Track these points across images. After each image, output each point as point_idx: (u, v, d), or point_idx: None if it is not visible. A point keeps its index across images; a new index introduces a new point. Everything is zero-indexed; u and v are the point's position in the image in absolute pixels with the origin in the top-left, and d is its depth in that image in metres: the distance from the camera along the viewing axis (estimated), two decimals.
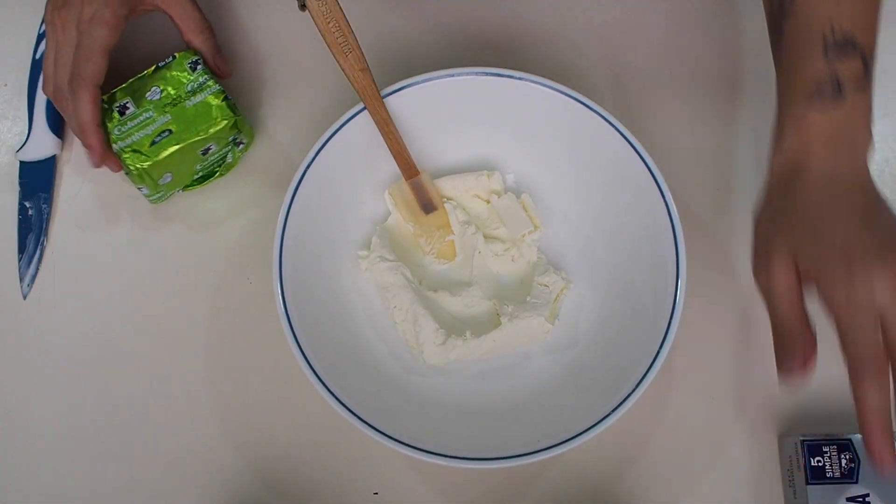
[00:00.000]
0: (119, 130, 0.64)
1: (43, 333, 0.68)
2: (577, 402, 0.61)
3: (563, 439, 0.58)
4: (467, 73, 0.65)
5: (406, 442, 0.57)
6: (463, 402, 0.64)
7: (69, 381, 0.67)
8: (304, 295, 0.61)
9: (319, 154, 0.63)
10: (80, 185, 0.71)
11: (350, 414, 0.58)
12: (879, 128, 0.72)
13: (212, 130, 0.65)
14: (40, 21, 0.72)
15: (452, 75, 0.65)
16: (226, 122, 0.65)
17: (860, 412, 0.49)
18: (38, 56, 0.71)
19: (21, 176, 0.70)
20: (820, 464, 0.61)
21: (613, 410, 0.58)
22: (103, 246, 0.70)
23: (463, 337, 0.64)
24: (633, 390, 0.59)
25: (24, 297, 0.68)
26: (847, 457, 0.61)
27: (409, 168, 0.66)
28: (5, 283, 0.69)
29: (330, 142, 0.63)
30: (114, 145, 0.64)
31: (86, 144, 0.64)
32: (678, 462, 0.65)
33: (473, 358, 0.65)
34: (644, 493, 0.64)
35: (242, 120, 0.67)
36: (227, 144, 0.68)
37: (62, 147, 0.71)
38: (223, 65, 0.69)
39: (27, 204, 0.70)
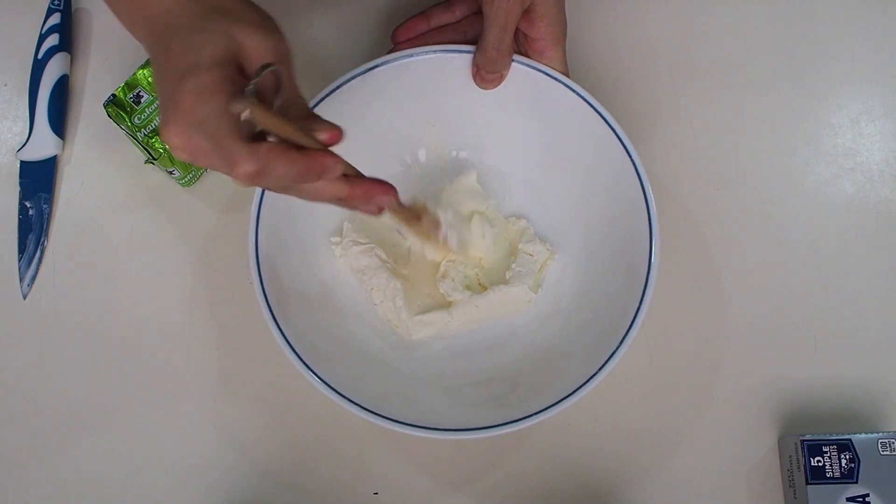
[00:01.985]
0: (139, 119, 0.65)
1: (43, 333, 0.68)
2: (564, 368, 0.61)
3: (553, 402, 0.58)
4: (434, 52, 0.64)
5: (399, 419, 0.57)
6: (452, 377, 0.64)
7: (69, 380, 0.67)
8: (285, 288, 0.61)
9: None
10: (80, 185, 0.71)
11: (341, 397, 0.58)
12: (879, 128, 0.73)
13: None
14: (42, 21, 0.72)
15: (433, 52, 0.64)
16: None
17: None
18: (39, 56, 0.71)
19: (21, 176, 0.70)
20: (820, 464, 0.61)
21: (598, 371, 0.58)
22: (103, 246, 0.70)
23: (445, 308, 0.65)
24: (618, 347, 0.59)
25: (24, 297, 0.68)
26: (847, 457, 0.61)
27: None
28: (5, 283, 0.68)
29: None
30: (137, 134, 0.65)
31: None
32: (678, 462, 0.65)
33: (457, 329, 0.65)
34: (644, 492, 0.65)
35: None
36: None
37: (63, 147, 0.71)
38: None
39: (27, 204, 0.70)
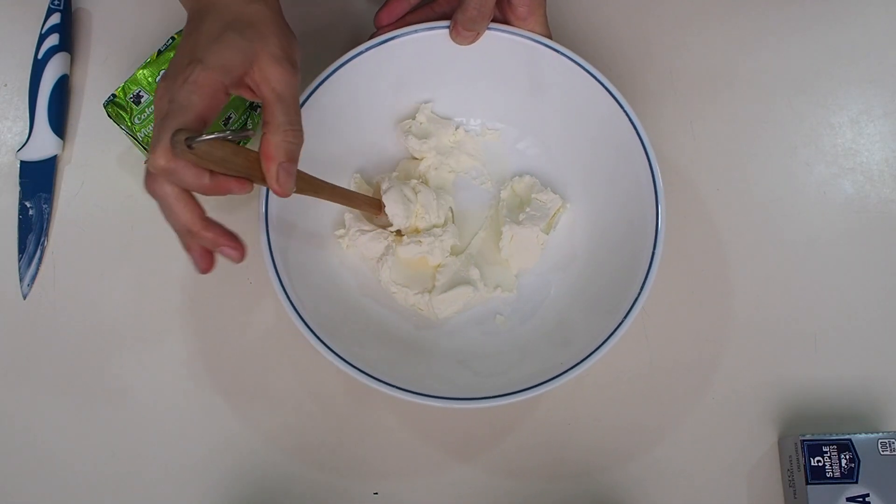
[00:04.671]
0: (139, 119, 0.65)
1: (43, 333, 0.68)
2: (586, 323, 0.62)
3: (580, 359, 0.58)
4: (416, 31, 0.65)
5: (434, 395, 0.58)
6: (480, 346, 0.65)
7: (69, 380, 0.67)
8: (302, 287, 0.61)
9: None
10: (80, 185, 0.71)
11: (382, 384, 0.58)
12: (879, 128, 0.73)
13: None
14: (42, 21, 0.73)
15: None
16: None
17: None
18: (39, 56, 0.71)
19: (22, 176, 0.70)
20: (820, 464, 0.61)
21: (617, 328, 0.59)
22: (103, 246, 0.70)
23: (467, 283, 0.65)
24: (635, 301, 0.59)
25: (24, 297, 0.68)
26: (847, 457, 0.61)
27: (372, 204, 0.66)
28: (5, 283, 0.68)
29: None
30: (137, 134, 0.65)
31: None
32: (678, 461, 0.65)
33: (480, 296, 0.66)
34: (644, 492, 0.65)
35: None
36: (245, 111, 0.68)
37: (63, 147, 0.71)
38: (285, 179, 0.54)
39: (27, 204, 0.70)
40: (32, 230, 0.69)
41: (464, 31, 0.64)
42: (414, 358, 0.63)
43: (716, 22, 0.75)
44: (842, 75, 0.74)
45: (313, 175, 0.60)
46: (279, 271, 0.60)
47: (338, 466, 0.65)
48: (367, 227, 0.66)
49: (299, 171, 0.56)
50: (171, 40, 0.67)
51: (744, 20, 0.75)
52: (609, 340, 0.58)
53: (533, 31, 0.65)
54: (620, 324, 0.59)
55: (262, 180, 0.54)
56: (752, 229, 0.70)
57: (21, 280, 0.68)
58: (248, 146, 0.71)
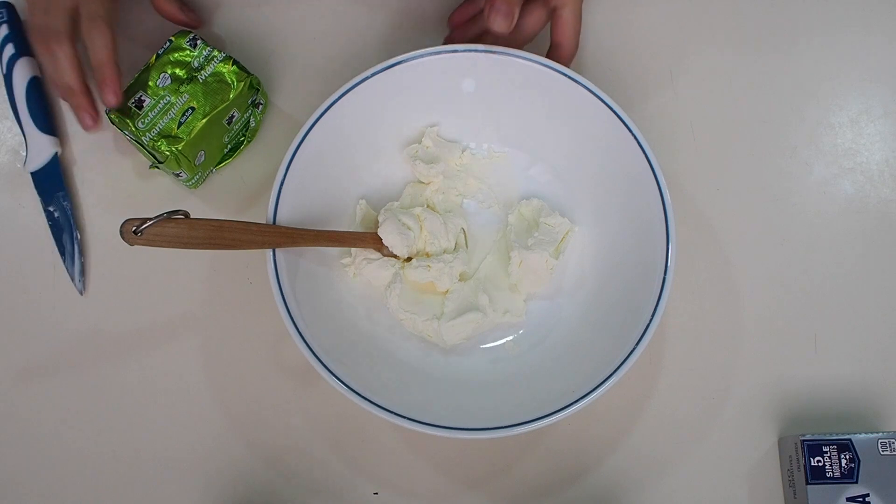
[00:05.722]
0: (143, 123, 0.65)
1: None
2: (596, 349, 0.62)
3: (593, 387, 0.58)
4: (467, 51, 0.65)
5: (444, 425, 0.58)
6: (489, 372, 0.65)
7: (68, 380, 0.68)
8: (310, 314, 0.61)
9: (288, 172, 0.63)
10: (88, 191, 0.72)
11: (383, 411, 0.58)
12: (879, 128, 0.72)
13: (232, 95, 0.66)
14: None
15: (453, 51, 0.65)
16: (243, 83, 0.67)
17: None
18: (4, 70, 0.72)
19: (36, 186, 0.71)
20: (820, 464, 0.61)
21: (628, 356, 0.59)
22: (108, 249, 0.70)
23: (475, 309, 0.65)
24: (646, 329, 0.59)
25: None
26: (847, 457, 0.61)
27: (367, 240, 0.67)
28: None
29: (294, 159, 0.63)
30: (142, 138, 0.65)
31: (103, 82, 0.65)
32: (678, 461, 0.65)
33: (489, 322, 0.66)
34: (644, 492, 0.65)
35: (257, 79, 0.69)
36: (247, 108, 0.69)
37: (59, 142, 0.72)
38: (192, 16, 0.72)
39: (51, 209, 0.71)
40: (63, 230, 0.70)
41: (501, 6, 0.61)
42: (423, 385, 0.63)
43: (716, 22, 0.75)
44: (842, 75, 0.73)
45: (314, 201, 0.61)
46: (287, 299, 0.60)
47: (338, 468, 0.66)
48: (373, 256, 0.66)
49: (276, 227, 0.61)
50: (168, 43, 0.67)
51: (744, 20, 0.75)
52: (622, 367, 0.59)
53: (567, 20, 0.65)
54: (633, 350, 0.59)
55: (230, 245, 0.59)
56: (752, 229, 0.70)
57: (73, 279, 0.69)
58: (246, 148, 0.72)
